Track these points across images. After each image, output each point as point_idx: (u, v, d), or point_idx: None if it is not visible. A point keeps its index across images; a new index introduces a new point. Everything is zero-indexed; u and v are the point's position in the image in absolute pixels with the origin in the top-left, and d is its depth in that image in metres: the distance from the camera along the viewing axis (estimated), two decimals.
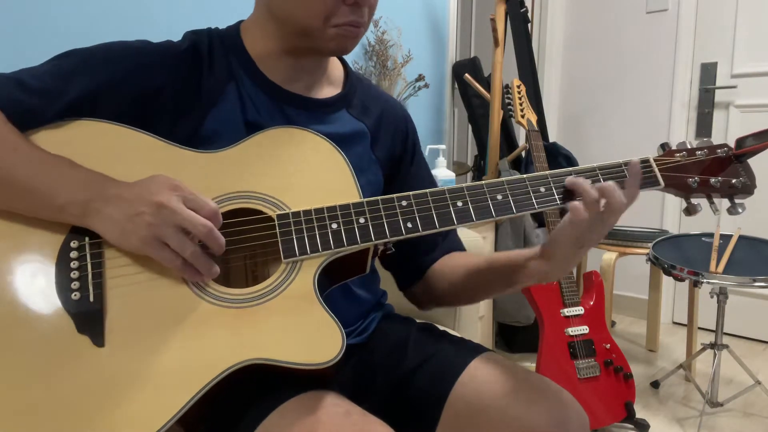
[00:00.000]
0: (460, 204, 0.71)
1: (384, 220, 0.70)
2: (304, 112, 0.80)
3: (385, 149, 0.87)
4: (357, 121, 0.85)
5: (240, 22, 0.82)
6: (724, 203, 0.77)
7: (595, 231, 0.68)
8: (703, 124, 2.55)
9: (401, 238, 0.70)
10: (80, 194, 0.62)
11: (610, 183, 0.68)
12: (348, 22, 0.72)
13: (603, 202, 0.67)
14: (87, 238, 0.64)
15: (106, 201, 0.62)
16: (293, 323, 0.64)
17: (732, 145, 0.76)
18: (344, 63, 0.89)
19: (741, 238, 1.80)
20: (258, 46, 0.78)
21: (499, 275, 0.80)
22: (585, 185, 0.68)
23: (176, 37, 0.80)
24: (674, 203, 2.68)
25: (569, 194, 0.71)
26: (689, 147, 0.76)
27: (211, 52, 0.78)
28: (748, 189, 0.75)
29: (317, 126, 0.77)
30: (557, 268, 0.73)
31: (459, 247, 0.95)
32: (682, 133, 2.62)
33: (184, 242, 0.61)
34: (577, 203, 0.68)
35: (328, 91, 0.84)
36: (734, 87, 2.47)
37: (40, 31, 1.16)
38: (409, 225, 0.70)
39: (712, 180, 0.74)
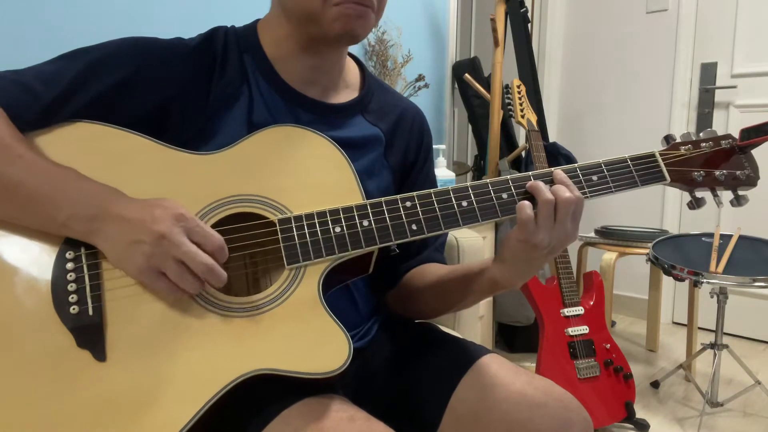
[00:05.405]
0: (465, 204, 0.70)
1: (388, 223, 0.69)
2: (319, 118, 0.78)
3: (398, 156, 0.87)
4: (372, 126, 0.84)
5: (257, 20, 0.81)
6: (726, 196, 0.77)
7: (554, 235, 0.67)
8: (703, 124, 2.55)
9: (406, 240, 0.69)
10: (83, 210, 0.60)
11: (559, 186, 0.68)
12: None
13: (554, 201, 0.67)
14: (83, 249, 0.63)
15: (107, 220, 0.60)
16: (299, 332, 0.63)
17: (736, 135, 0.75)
18: (362, 67, 0.88)
19: (741, 238, 1.80)
20: (274, 44, 0.77)
21: (458, 282, 0.79)
22: (540, 186, 0.68)
23: (184, 33, 0.78)
24: (674, 203, 2.68)
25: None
26: (694, 139, 0.76)
27: (226, 51, 0.77)
28: (751, 181, 0.75)
29: (331, 131, 0.75)
30: (515, 272, 0.71)
31: (439, 259, 0.92)
32: (682, 133, 2.62)
33: (183, 275, 0.59)
34: (523, 203, 0.68)
35: (345, 95, 0.83)
36: (734, 87, 2.47)
37: (40, 26, 1.15)
38: (414, 227, 0.69)
39: (717, 173, 0.74)
